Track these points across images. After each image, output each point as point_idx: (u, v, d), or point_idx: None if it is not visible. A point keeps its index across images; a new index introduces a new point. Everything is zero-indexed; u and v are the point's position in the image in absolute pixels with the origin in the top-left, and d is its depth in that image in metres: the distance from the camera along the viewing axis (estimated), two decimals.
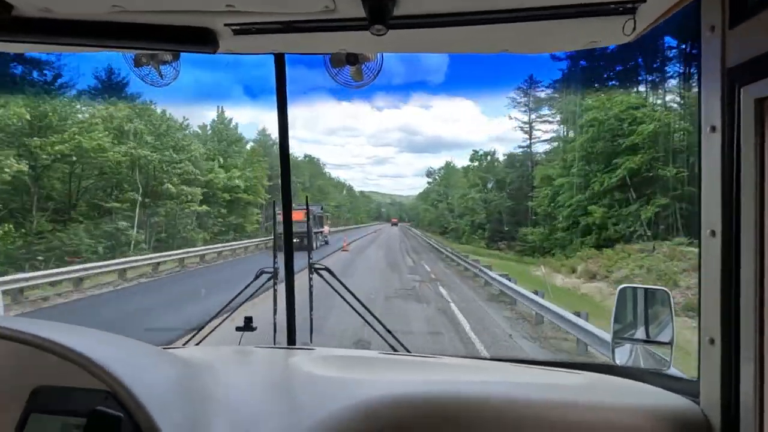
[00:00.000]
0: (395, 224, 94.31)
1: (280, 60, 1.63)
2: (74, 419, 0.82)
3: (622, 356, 1.45)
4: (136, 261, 16.36)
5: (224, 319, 1.87)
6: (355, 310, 1.91)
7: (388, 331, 1.82)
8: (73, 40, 1.17)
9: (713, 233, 0.97)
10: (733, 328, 0.93)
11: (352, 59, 1.41)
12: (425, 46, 1.30)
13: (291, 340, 1.78)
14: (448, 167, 64.53)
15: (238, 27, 1.16)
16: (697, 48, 1.01)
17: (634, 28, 1.06)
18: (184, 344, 1.80)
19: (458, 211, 47.51)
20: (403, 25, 1.09)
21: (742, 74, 0.88)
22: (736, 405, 0.94)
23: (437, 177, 69.59)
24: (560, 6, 1.02)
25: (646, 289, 1.48)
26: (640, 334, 1.45)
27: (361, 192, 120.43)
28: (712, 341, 0.99)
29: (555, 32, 1.17)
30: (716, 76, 0.94)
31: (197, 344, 1.82)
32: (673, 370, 1.30)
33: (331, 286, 1.92)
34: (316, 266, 1.94)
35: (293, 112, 1.74)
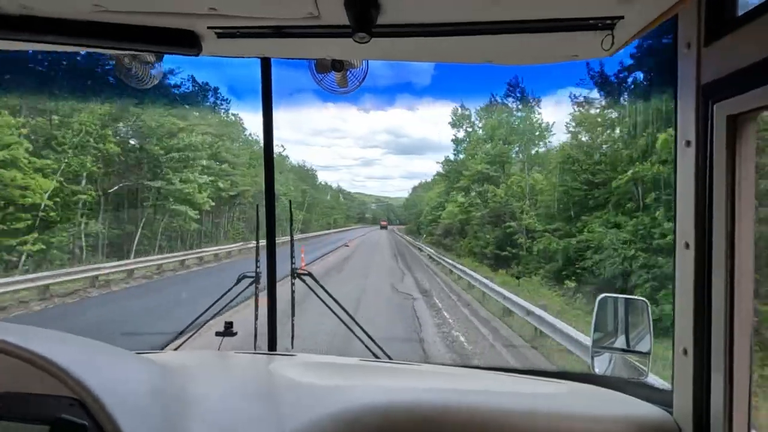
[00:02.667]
0: (384, 227, 79.84)
1: (266, 64, 1.62)
2: (38, 427, 0.80)
3: (601, 365, 1.47)
4: None
5: (204, 324, 1.84)
6: (338, 317, 1.90)
7: (371, 338, 1.81)
8: (54, 38, 1.16)
9: (687, 245, 0.99)
10: (705, 338, 0.95)
11: (338, 65, 1.41)
12: (409, 54, 1.31)
13: (272, 346, 1.76)
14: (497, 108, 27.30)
15: (221, 30, 1.15)
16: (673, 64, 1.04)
17: (613, 43, 1.09)
18: (161, 349, 1.77)
19: (556, 205, 18.81)
20: (387, 33, 1.09)
21: (716, 91, 0.90)
22: (707, 414, 0.96)
23: (475, 128, 30.47)
24: (541, 20, 1.04)
25: (626, 299, 1.49)
26: (619, 343, 1.46)
27: (339, 189, 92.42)
28: (685, 351, 1.01)
29: (536, 45, 1.19)
30: (691, 91, 0.97)
31: (175, 349, 1.79)
32: (650, 380, 1.32)
33: (314, 293, 1.90)
34: (299, 272, 1.93)
35: (278, 113, 1.71)
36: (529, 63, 1.33)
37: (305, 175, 56.87)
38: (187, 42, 1.18)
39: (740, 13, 0.88)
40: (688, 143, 0.98)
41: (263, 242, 1.79)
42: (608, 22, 1.03)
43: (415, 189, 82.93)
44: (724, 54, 0.89)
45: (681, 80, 1.01)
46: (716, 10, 0.92)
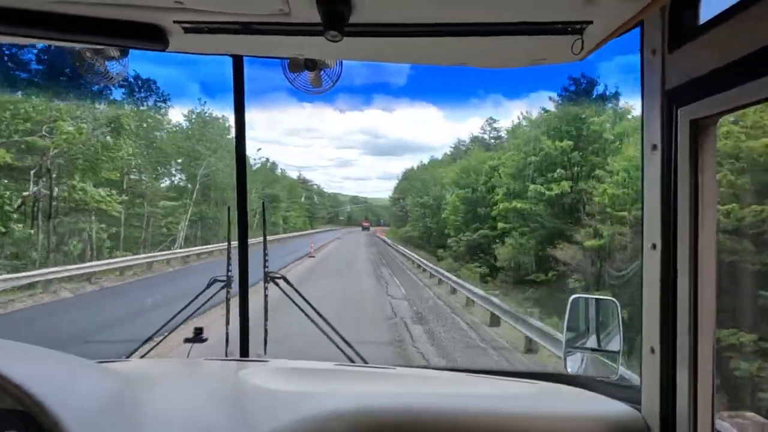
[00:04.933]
0: (366, 228, 64.98)
1: (238, 62, 1.59)
2: None
3: (573, 365, 1.49)
4: None
5: (172, 331, 1.78)
6: (313, 321, 1.87)
7: (346, 342, 1.79)
8: (9, 30, 1.09)
9: (654, 246, 1.02)
10: (671, 337, 0.97)
11: (311, 65, 1.39)
12: (382, 54, 1.30)
13: (244, 352, 1.71)
14: None
15: (189, 25, 1.11)
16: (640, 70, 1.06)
17: (582, 48, 1.11)
18: (126, 357, 1.70)
19: None
20: (360, 32, 1.08)
21: (680, 96, 0.93)
22: (673, 411, 0.98)
23: None
24: (514, 23, 1.05)
25: (596, 300, 1.53)
26: (590, 343, 1.49)
27: (302, 179, 65.45)
28: (652, 350, 1.03)
29: (509, 48, 1.20)
30: (656, 97, 0.99)
31: (142, 357, 1.72)
32: (620, 378, 1.35)
33: (288, 296, 1.87)
34: (272, 275, 1.89)
35: (252, 112, 1.65)
36: (501, 66, 1.34)
37: (200, 125, 26.98)
38: (152, 37, 1.13)
39: (702, 21, 0.91)
40: (654, 147, 1.01)
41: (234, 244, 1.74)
42: (577, 26, 1.05)
43: (407, 173, 51.38)
44: (687, 60, 0.91)
45: (647, 85, 1.04)
46: (679, 18, 0.95)
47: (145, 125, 22.49)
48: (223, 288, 1.83)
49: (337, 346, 1.77)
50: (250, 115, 1.68)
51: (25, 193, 15.50)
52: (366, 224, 70.03)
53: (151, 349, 1.78)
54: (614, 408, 1.17)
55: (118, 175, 19.27)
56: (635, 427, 1.09)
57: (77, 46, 1.29)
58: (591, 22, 1.03)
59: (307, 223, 53.99)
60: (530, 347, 7.96)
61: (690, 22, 0.93)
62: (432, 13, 1.01)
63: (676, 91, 0.95)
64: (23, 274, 12.01)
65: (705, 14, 0.90)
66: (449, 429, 1.11)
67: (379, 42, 1.15)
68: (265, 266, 1.92)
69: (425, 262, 18.69)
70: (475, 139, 34.70)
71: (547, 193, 15.88)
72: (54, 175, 16.02)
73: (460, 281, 13.32)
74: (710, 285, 0.91)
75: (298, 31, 1.10)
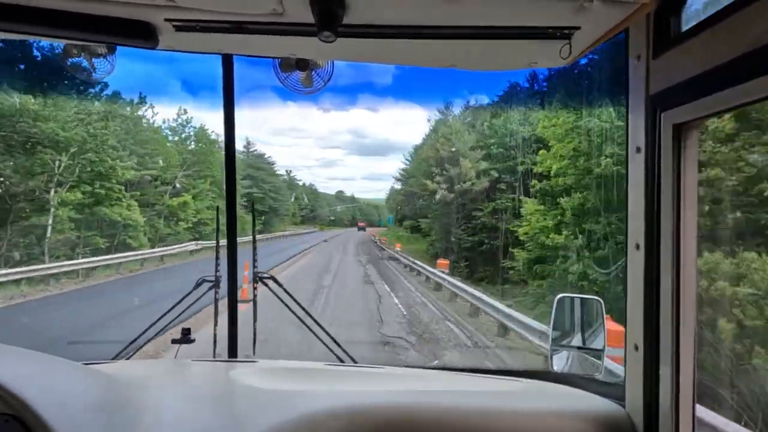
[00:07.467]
0: (362, 229, 58.15)
1: (228, 61, 1.58)
2: None
3: (559, 363, 1.52)
4: None
5: (159, 332, 1.75)
6: (302, 321, 1.86)
7: (335, 342, 1.79)
8: None
9: (638, 246, 1.05)
10: (654, 334, 1.00)
11: (302, 65, 1.39)
12: (374, 56, 1.31)
13: (232, 353, 1.70)
14: None
15: (180, 23, 1.10)
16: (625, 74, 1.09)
17: (570, 53, 1.13)
18: (113, 359, 1.67)
19: None
20: (353, 33, 1.08)
21: (663, 100, 0.96)
22: (656, 406, 1.01)
23: None
24: (504, 27, 1.07)
25: (582, 299, 1.56)
26: (575, 341, 1.53)
27: (258, 156, 43.52)
28: (636, 347, 1.06)
29: (499, 51, 1.22)
30: (641, 101, 1.02)
31: (128, 358, 1.70)
32: (605, 375, 1.38)
33: (278, 296, 1.86)
34: (261, 275, 1.88)
35: (237, 111, 1.68)
36: (491, 69, 1.36)
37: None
38: (142, 34, 1.12)
39: (685, 28, 0.94)
40: (638, 149, 1.04)
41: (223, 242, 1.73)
42: (566, 32, 1.07)
43: (436, 124, 30.05)
44: (670, 66, 0.94)
45: (631, 90, 1.07)
46: (663, 24, 0.98)
47: None
48: (211, 288, 1.82)
49: (327, 346, 1.78)
50: (236, 114, 1.66)
51: None
52: (362, 224, 62.79)
53: (137, 350, 1.76)
54: (599, 404, 1.20)
55: None
56: (620, 422, 1.12)
57: (65, 42, 1.27)
58: (579, 28, 1.05)
59: (245, 223, 20.29)
60: None
61: (674, 28, 0.96)
62: (426, 15, 1.02)
63: (659, 95, 0.98)
64: None
65: (688, 22, 0.93)
66: (438, 426, 1.13)
67: (372, 43, 1.16)
68: (254, 266, 1.91)
69: None
70: None
71: None
72: None
73: None
74: (692, 283, 0.94)
75: (291, 31, 1.10)
